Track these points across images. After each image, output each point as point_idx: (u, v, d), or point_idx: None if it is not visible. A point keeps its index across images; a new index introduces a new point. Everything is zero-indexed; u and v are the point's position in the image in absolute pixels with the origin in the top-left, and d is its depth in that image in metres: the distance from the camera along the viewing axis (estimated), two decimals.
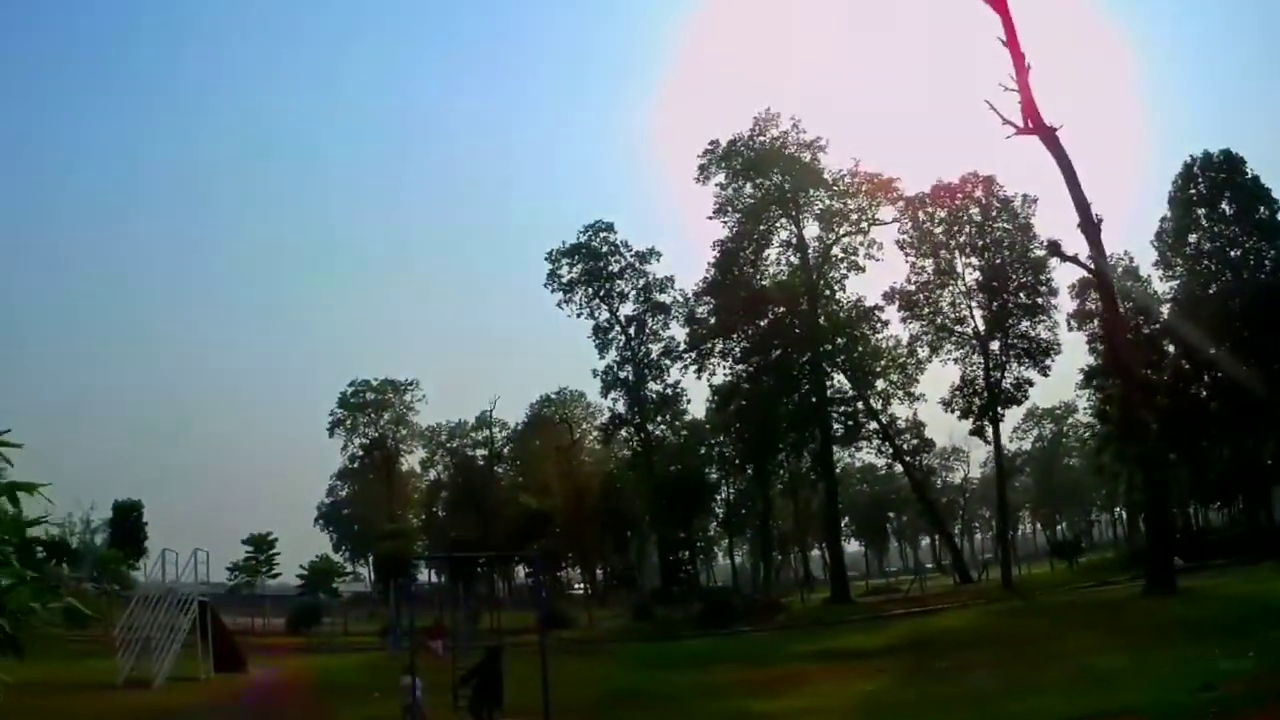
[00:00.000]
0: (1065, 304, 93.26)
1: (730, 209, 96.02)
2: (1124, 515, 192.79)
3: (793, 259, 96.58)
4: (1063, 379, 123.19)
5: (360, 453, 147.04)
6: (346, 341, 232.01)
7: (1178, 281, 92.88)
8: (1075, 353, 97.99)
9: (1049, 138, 55.26)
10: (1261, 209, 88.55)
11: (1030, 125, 55.50)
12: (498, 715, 25.02)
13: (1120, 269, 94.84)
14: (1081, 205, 54.96)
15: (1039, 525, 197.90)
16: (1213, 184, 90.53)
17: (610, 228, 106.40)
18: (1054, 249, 58.91)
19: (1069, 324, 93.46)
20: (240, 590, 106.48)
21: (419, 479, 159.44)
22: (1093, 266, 57.86)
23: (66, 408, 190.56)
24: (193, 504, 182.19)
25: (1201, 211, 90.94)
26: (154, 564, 41.47)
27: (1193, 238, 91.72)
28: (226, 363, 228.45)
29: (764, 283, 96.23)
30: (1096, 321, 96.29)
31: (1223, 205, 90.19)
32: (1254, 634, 26.73)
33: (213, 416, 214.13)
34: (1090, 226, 55.16)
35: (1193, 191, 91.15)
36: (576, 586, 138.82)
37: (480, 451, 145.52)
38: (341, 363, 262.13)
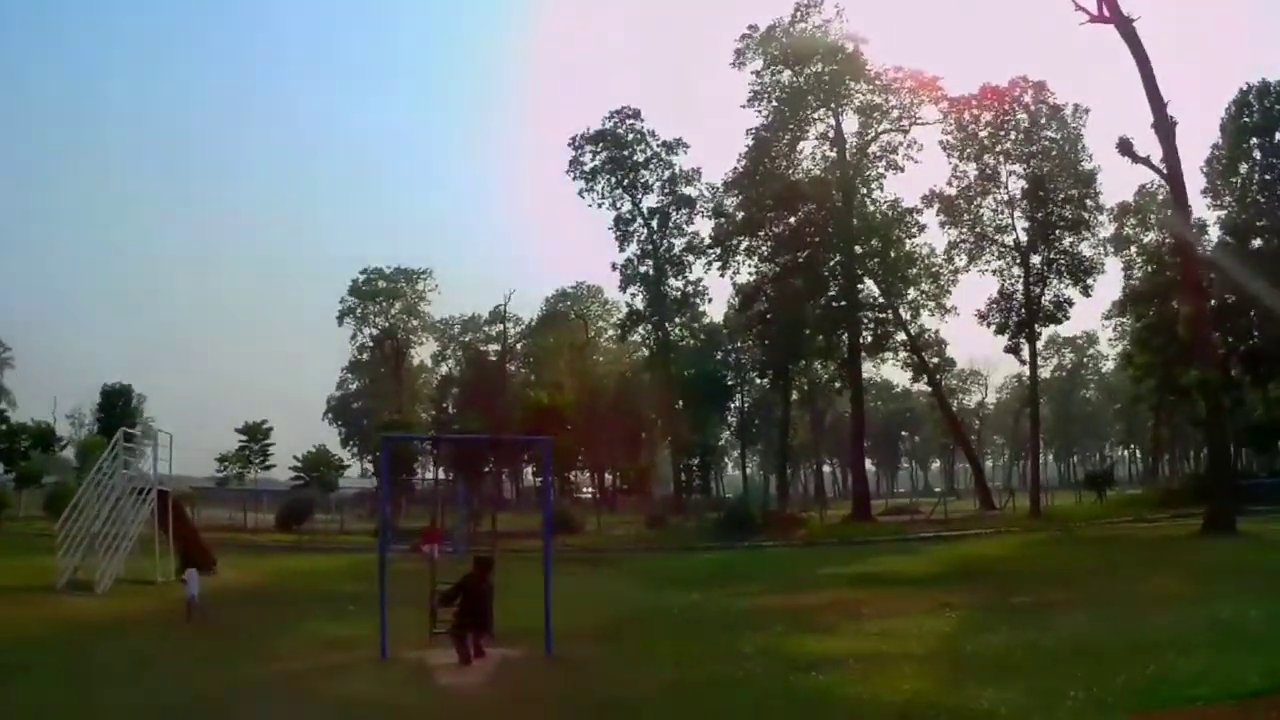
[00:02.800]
0: (1101, 232, 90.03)
1: (766, 98, 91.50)
2: (1139, 453, 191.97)
3: (829, 154, 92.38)
4: (1086, 309, 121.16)
5: (370, 343, 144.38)
6: (360, 228, 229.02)
7: (1225, 212, 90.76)
8: (1106, 281, 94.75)
9: (1125, 28, 51.84)
10: None
11: (1106, 13, 51.66)
12: (486, 641, 20.11)
13: (1162, 195, 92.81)
14: (1157, 103, 51.67)
15: (1052, 457, 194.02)
16: (1268, 114, 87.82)
17: (637, 114, 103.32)
18: (1125, 147, 54.27)
19: (1104, 248, 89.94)
20: (230, 483, 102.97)
21: (430, 373, 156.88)
22: (1165, 170, 53.35)
23: (65, 293, 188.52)
24: (191, 389, 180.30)
25: (1255, 141, 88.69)
26: (109, 450, 35.92)
27: (1243, 168, 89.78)
28: (234, 250, 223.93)
29: (797, 177, 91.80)
30: (1134, 249, 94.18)
31: (1278, 136, 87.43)
32: None
33: (215, 301, 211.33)
34: (1165, 126, 51.75)
35: (1246, 120, 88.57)
36: (586, 490, 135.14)
37: (493, 347, 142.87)
38: (355, 248, 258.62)
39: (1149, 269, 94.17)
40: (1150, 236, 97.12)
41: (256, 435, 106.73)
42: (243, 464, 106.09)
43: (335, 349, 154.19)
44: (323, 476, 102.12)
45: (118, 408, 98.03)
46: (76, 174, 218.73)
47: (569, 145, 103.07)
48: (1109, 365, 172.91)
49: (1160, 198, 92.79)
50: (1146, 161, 53.98)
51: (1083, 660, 17.17)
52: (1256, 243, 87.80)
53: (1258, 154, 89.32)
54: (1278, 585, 26.52)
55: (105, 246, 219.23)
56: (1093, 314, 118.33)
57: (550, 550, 22.08)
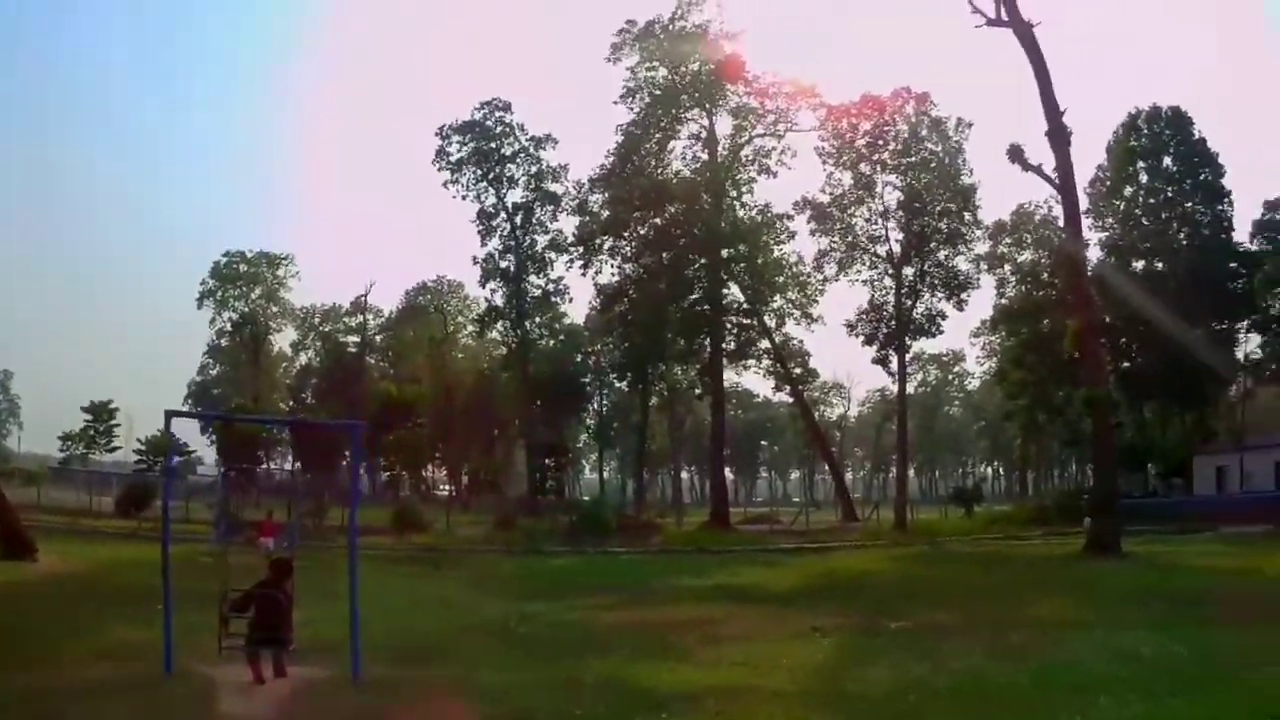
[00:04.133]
0: (978, 248, 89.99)
1: (640, 95, 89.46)
2: (1002, 470, 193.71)
3: (701, 155, 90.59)
4: (952, 327, 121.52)
5: (229, 328, 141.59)
6: (224, 211, 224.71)
7: (1107, 234, 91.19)
8: (976, 299, 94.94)
9: (1024, 32, 49.89)
10: (1205, 172, 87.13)
11: (1004, 17, 50.28)
12: (284, 657, 16.85)
13: (1040, 215, 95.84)
14: (1052, 111, 49.57)
15: (913, 472, 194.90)
16: (1156, 138, 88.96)
17: (508, 107, 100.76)
18: (1016, 154, 52.19)
19: (979, 264, 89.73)
20: (72, 463, 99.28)
21: (290, 362, 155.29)
22: (1057, 180, 51.40)
23: None
24: (57, 369, 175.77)
25: (1142, 165, 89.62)
26: None
27: (1128, 190, 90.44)
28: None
29: (666, 177, 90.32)
30: (1007, 267, 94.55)
31: (1166, 161, 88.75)
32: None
33: (86, 283, 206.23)
34: (1059, 135, 49.58)
35: (1134, 143, 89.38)
36: (443, 488, 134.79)
37: (353, 338, 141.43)
38: (215, 235, 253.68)
39: (1024, 286, 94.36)
40: (1026, 255, 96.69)
41: (102, 415, 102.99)
42: (86, 444, 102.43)
43: (194, 332, 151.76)
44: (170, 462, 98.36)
45: None
46: None
47: (436, 135, 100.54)
48: (975, 383, 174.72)
49: (1038, 217, 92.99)
50: (1038, 170, 51.79)
51: (991, 705, 14.56)
52: (1138, 265, 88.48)
53: (1144, 177, 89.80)
54: (1182, 613, 24.07)
55: None
56: (960, 332, 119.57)
57: (356, 553, 18.37)
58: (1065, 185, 51.15)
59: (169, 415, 19.50)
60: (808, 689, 16.19)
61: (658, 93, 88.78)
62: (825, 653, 20.20)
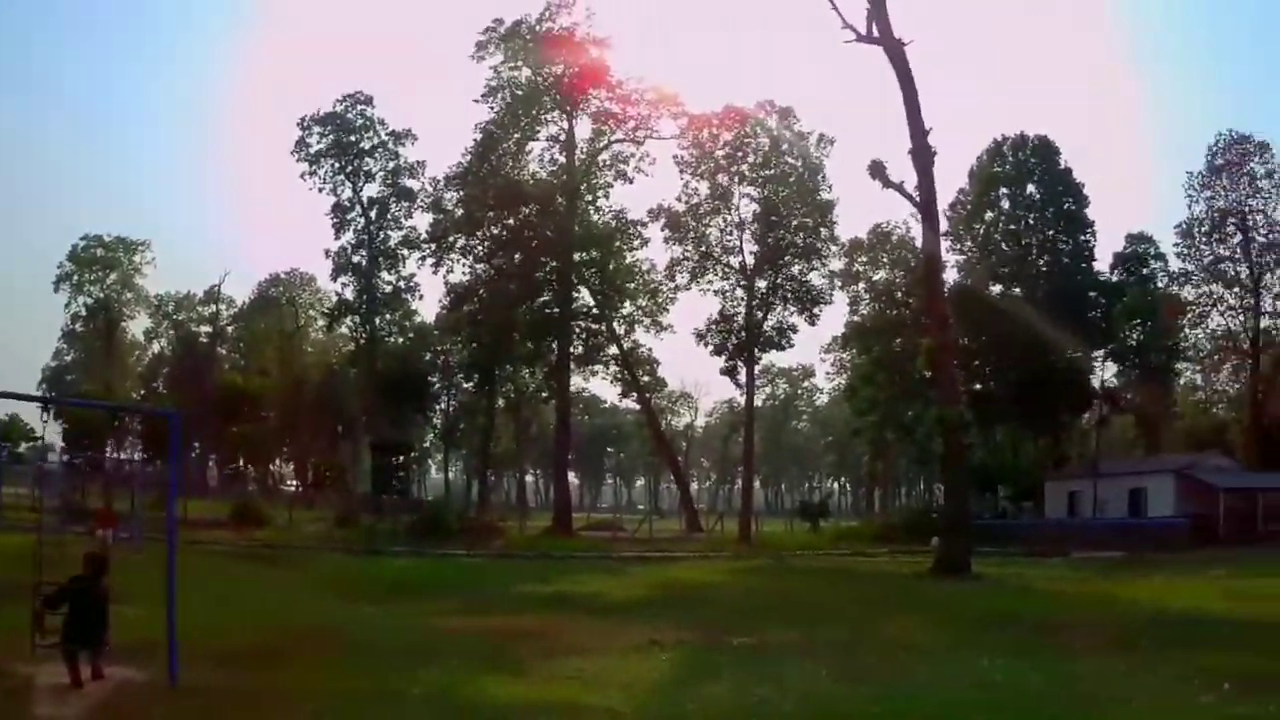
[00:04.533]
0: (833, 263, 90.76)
1: (501, 94, 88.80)
2: (849, 486, 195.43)
3: (559, 157, 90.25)
4: (802, 342, 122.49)
5: (84, 313, 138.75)
6: (84, 193, 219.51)
7: (964, 257, 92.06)
8: (828, 314, 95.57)
9: (894, 50, 49.54)
10: (1068, 201, 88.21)
11: (875, 34, 49.76)
12: (99, 659, 15.98)
13: (897, 235, 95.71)
14: (917, 129, 49.44)
15: (758, 484, 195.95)
16: (1021, 165, 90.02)
17: (369, 101, 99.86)
18: (877, 170, 52.01)
19: (833, 280, 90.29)
20: None
21: (143, 350, 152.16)
22: (919, 198, 51.25)
23: None
24: None
25: (1004, 190, 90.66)
26: None
27: (989, 215, 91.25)
28: None
29: (523, 177, 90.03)
30: (861, 285, 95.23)
31: (1029, 189, 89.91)
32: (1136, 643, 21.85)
33: None
34: (923, 154, 49.48)
35: (998, 169, 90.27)
36: (290, 483, 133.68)
37: (205, 328, 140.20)
38: (74, 218, 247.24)
39: (878, 305, 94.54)
40: (880, 275, 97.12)
41: None
42: None
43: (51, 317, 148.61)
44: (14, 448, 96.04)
45: None
46: None
47: (297, 125, 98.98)
48: (824, 399, 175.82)
49: (895, 237, 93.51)
50: (899, 188, 51.60)
51: None
52: (996, 289, 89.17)
53: (1006, 204, 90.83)
54: (1037, 639, 23.63)
55: None
56: (811, 347, 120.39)
57: (175, 550, 17.26)
58: (926, 203, 50.97)
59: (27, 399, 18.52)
60: (644, 707, 15.60)
61: (519, 93, 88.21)
62: (664, 668, 19.59)
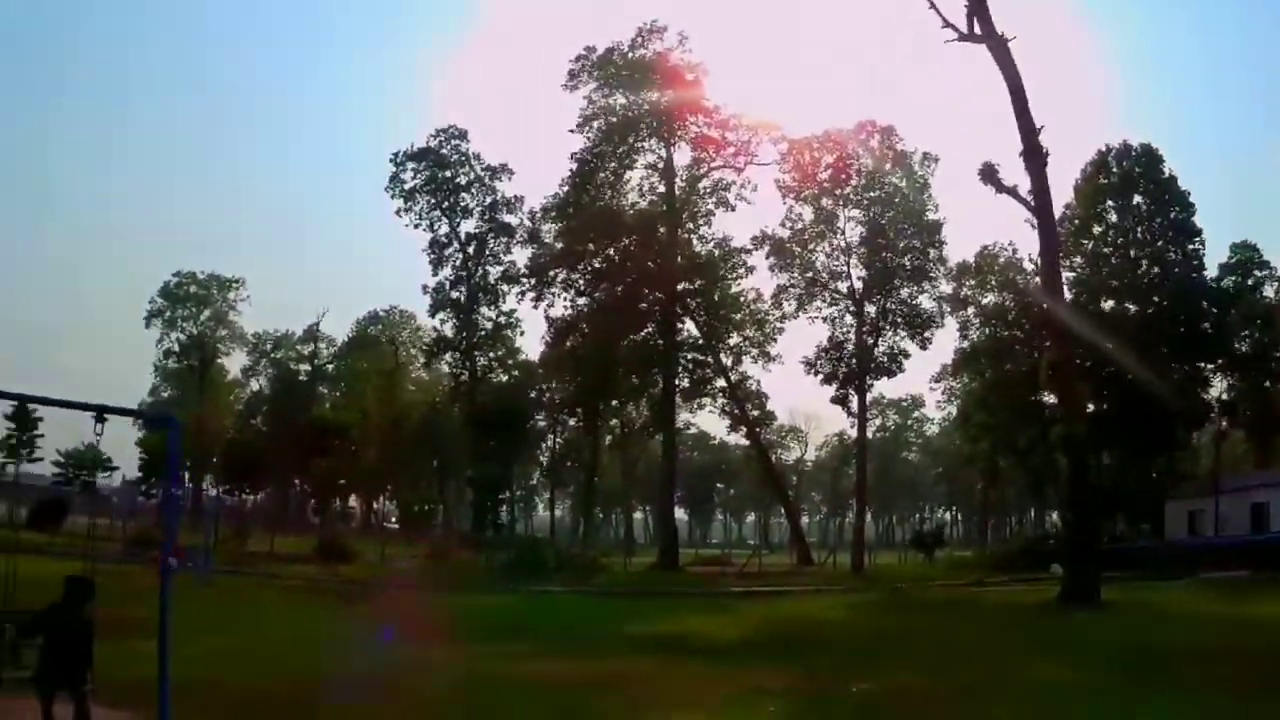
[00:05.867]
0: (942, 286, 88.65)
1: (597, 122, 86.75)
2: (960, 515, 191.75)
3: (658, 185, 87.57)
4: (912, 372, 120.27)
5: (176, 349, 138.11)
6: (177, 231, 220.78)
7: (1074, 274, 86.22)
8: (937, 343, 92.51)
9: (999, 47, 46.52)
10: (1175, 210, 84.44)
11: (977, 31, 46.85)
12: (83, 698, 13.05)
13: (1005, 257, 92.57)
14: (1028, 130, 46.20)
15: (870, 516, 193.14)
16: (1126, 176, 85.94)
17: (464, 135, 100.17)
18: (989, 174, 48.91)
19: (940, 306, 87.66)
20: None
21: (242, 388, 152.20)
22: (1034, 203, 47.98)
23: None
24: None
25: (1111, 203, 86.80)
26: None
27: (1097, 229, 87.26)
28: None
29: (622, 207, 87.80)
30: (971, 310, 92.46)
31: (1136, 199, 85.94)
32: None
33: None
34: (1035, 156, 46.29)
35: (1104, 181, 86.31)
36: (392, 521, 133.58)
37: (304, 367, 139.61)
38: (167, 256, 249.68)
39: (989, 328, 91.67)
40: (989, 299, 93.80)
41: (25, 424, 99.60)
42: (8, 453, 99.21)
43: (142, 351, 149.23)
44: (89, 476, 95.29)
45: None
46: None
47: (391, 161, 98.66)
48: (934, 428, 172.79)
49: (1003, 259, 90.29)
50: (1013, 192, 48.60)
51: None
52: (1108, 304, 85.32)
53: (1114, 216, 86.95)
54: (1186, 673, 20.86)
55: None
56: (919, 377, 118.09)
57: (168, 580, 14.18)
58: (1042, 208, 47.80)
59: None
60: None
61: (614, 120, 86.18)
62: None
